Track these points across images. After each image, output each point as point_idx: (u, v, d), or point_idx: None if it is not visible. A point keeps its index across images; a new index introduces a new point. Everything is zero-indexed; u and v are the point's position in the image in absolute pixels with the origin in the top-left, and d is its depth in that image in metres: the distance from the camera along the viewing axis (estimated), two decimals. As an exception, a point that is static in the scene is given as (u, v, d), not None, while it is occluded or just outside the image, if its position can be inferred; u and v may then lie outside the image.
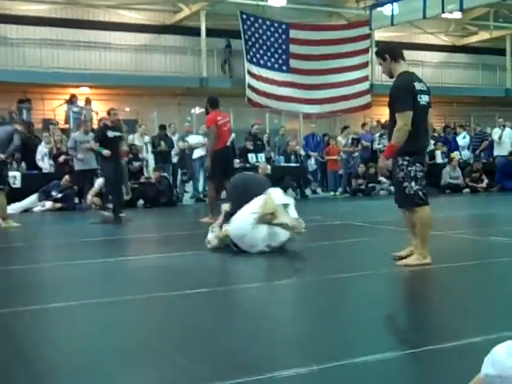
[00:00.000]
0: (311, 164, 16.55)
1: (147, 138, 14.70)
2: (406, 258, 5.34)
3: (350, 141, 16.20)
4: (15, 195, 11.91)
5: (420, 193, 5.21)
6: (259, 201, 6.08)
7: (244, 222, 6.00)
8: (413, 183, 5.16)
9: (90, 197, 12.37)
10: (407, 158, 5.12)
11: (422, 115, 5.15)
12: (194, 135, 14.71)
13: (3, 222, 9.31)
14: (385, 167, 5.22)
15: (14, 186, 12.18)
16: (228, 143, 9.66)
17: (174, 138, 14.88)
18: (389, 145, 5.15)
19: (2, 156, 9.28)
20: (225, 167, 9.30)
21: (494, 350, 1.75)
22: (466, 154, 17.79)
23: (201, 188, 15.01)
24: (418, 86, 5.16)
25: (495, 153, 17.36)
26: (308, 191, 15.81)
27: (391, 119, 5.26)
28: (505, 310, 3.86)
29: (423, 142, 5.32)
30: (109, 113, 10.43)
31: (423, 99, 5.17)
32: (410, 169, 5.13)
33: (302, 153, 16.32)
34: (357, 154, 16.37)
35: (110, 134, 9.91)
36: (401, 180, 5.22)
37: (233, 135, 9.88)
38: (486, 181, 16.46)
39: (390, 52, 5.30)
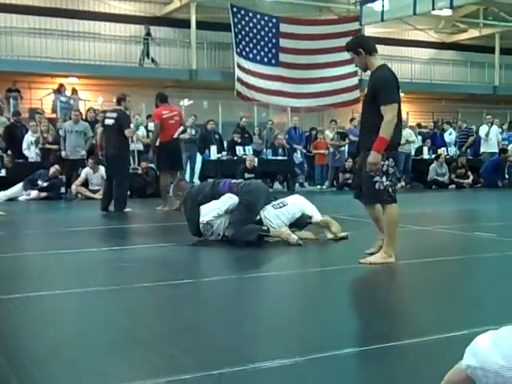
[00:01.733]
0: (297, 157, 16.55)
1: (141, 129, 14.70)
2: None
3: (336, 135, 16.22)
4: (0, 184, 11.83)
5: (390, 189, 5.02)
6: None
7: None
8: (384, 178, 4.97)
9: (74, 186, 12.33)
10: (384, 152, 4.95)
11: (400, 110, 5.08)
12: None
13: None
14: (378, 163, 4.94)
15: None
16: (175, 136, 10.14)
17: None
18: (379, 138, 4.93)
19: None
20: (172, 158, 10.05)
21: (475, 341, 1.75)
22: (453, 150, 17.88)
23: (188, 179, 15.01)
24: (397, 80, 5.12)
25: (482, 149, 17.45)
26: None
27: (368, 112, 5.12)
28: (482, 305, 3.88)
29: (400, 137, 5.23)
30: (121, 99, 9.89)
31: (400, 94, 5.15)
32: (382, 163, 4.94)
33: (286, 145, 16.36)
34: (343, 148, 16.39)
35: (106, 121, 9.80)
36: (372, 174, 5.00)
37: (181, 128, 10.38)
38: (471, 177, 16.56)
39: (364, 46, 5.20)
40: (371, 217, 5.49)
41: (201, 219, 6.18)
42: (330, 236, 6.42)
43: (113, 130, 9.56)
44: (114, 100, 10.35)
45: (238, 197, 6.13)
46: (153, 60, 21.16)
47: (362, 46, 5.20)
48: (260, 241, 6.04)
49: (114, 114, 9.67)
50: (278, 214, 6.21)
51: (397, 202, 5.12)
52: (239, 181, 6.55)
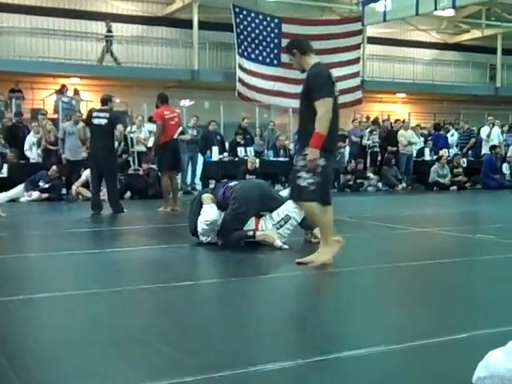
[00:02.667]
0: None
1: (144, 130, 14.75)
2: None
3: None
4: (1, 185, 11.84)
5: (312, 187, 4.89)
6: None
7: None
8: (309, 175, 4.87)
9: (74, 187, 12.34)
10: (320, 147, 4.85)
11: (336, 107, 4.99)
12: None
13: None
14: (316, 159, 4.80)
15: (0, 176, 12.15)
16: (175, 136, 10.27)
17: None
18: (314, 134, 4.82)
19: None
20: (172, 159, 10.18)
21: (488, 354, 1.80)
22: (454, 151, 17.87)
23: (189, 180, 15.03)
24: (332, 76, 5.07)
25: (483, 151, 17.44)
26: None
27: (304, 110, 5.06)
28: (482, 308, 3.88)
29: (335, 136, 5.12)
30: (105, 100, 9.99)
31: (336, 91, 5.05)
32: (318, 157, 4.83)
33: (292, 147, 16.34)
34: (343, 149, 16.38)
35: (96, 120, 9.69)
36: (298, 169, 4.91)
37: (180, 129, 10.50)
38: (465, 179, 16.63)
39: (297, 46, 5.20)
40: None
41: (198, 222, 6.19)
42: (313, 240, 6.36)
43: (106, 129, 9.55)
44: (118, 101, 10.37)
45: (230, 203, 6.10)
46: (115, 59, 20.89)
47: (295, 47, 5.22)
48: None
49: (107, 114, 9.64)
50: (278, 234, 6.12)
51: (324, 203, 5.05)
52: (234, 184, 6.34)
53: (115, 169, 10.04)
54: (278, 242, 5.97)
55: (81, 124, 11.39)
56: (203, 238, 6.20)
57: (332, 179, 5.14)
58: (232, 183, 6.34)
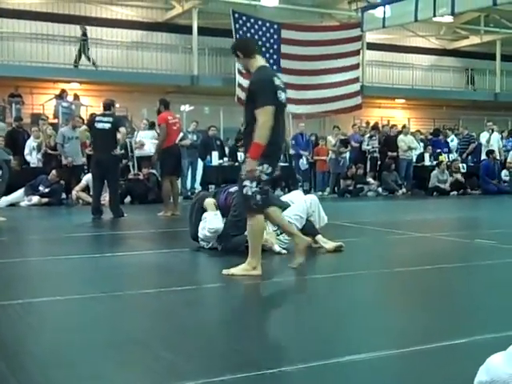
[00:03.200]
0: (303, 163, 16.53)
1: (149, 135, 14.80)
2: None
3: (338, 142, 16.23)
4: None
5: (258, 196, 4.76)
6: None
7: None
8: (254, 184, 4.73)
9: (75, 192, 12.36)
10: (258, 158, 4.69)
11: (281, 113, 4.80)
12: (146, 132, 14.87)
13: None
14: (253, 170, 4.67)
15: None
16: (177, 141, 10.49)
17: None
18: (253, 144, 4.65)
19: None
20: (175, 164, 10.37)
21: (489, 359, 1.80)
22: (454, 157, 17.89)
23: (189, 185, 15.04)
24: (277, 81, 4.82)
25: (483, 156, 17.46)
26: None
27: (247, 116, 4.84)
28: (481, 313, 3.89)
29: (279, 142, 4.87)
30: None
31: (282, 96, 4.80)
32: (257, 168, 4.69)
33: (291, 152, 16.35)
34: (345, 154, 16.41)
35: (99, 125, 9.74)
36: (243, 178, 4.77)
37: (181, 134, 10.74)
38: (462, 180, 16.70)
39: (241, 49, 5.00)
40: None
41: (199, 228, 6.19)
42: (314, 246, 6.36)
43: (109, 133, 9.62)
44: (118, 106, 10.43)
45: (231, 209, 6.08)
46: (89, 59, 20.77)
47: (239, 49, 5.00)
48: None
49: (110, 119, 9.73)
50: (278, 240, 6.13)
51: (265, 210, 4.89)
52: (235, 189, 6.14)
53: (117, 173, 10.10)
54: (276, 247, 5.97)
55: (83, 127, 11.49)
56: (203, 244, 6.20)
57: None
58: (233, 189, 6.28)
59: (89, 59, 20.56)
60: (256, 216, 4.83)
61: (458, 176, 16.71)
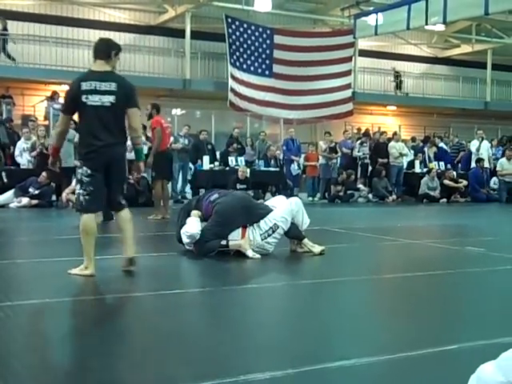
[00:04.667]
0: (294, 169, 16.54)
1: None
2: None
3: (327, 148, 16.26)
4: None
5: (81, 198, 4.92)
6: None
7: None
8: (78, 186, 4.98)
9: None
10: (79, 160, 5.00)
11: (92, 116, 4.88)
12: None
13: None
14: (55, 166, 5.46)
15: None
16: (169, 145, 10.77)
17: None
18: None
19: None
20: (168, 167, 10.59)
21: (480, 367, 1.82)
22: (442, 164, 17.93)
23: (179, 189, 15.02)
24: (85, 86, 4.90)
25: (473, 164, 17.54)
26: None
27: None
28: (470, 319, 3.90)
29: (95, 144, 4.90)
30: None
31: (93, 99, 4.87)
32: (78, 171, 4.94)
33: (281, 157, 16.38)
34: (335, 160, 16.43)
35: None
36: (77, 182, 5.07)
37: (172, 138, 10.94)
38: (464, 182, 16.76)
39: (93, 51, 5.37)
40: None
41: (181, 231, 6.27)
42: (299, 250, 6.42)
43: None
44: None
45: (212, 217, 6.18)
46: (9, 56, 20.55)
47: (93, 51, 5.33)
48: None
49: None
50: (266, 243, 6.19)
51: (90, 213, 4.98)
52: (216, 197, 6.33)
53: None
54: (250, 253, 6.01)
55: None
56: (187, 247, 6.28)
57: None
58: (213, 197, 6.35)
59: (9, 56, 20.18)
60: (83, 215, 4.97)
61: (461, 185, 16.77)
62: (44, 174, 12.46)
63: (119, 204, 5.11)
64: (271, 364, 2.88)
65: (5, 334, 3.40)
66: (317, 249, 6.28)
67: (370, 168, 17.10)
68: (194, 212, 6.37)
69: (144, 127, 14.73)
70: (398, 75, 25.62)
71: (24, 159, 13.52)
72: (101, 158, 4.92)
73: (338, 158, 16.63)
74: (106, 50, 5.26)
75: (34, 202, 12.27)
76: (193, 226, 6.19)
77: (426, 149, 18.35)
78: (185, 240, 6.26)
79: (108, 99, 4.91)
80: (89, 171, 4.87)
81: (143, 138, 10.87)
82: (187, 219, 6.31)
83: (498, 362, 1.79)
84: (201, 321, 3.82)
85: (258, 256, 6.00)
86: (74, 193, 12.34)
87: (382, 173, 16.42)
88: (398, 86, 25.76)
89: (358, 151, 17.00)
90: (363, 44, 23.97)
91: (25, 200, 12.21)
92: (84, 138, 5.02)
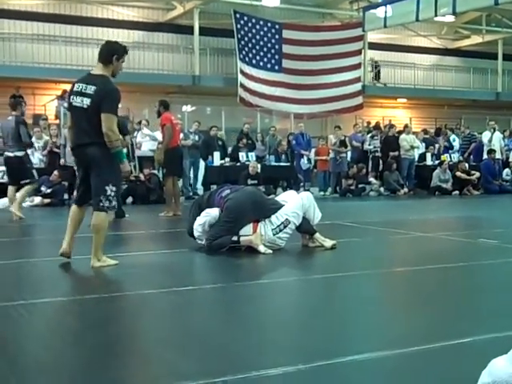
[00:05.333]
0: (304, 163, 16.52)
1: (148, 135, 14.80)
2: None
3: (338, 142, 16.22)
4: (2, 190, 11.83)
5: (113, 197, 5.26)
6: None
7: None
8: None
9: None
10: None
11: (73, 116, 5.32)
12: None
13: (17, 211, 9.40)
14: None
15: (1, 181, 12.16)
16: (179, 142, 10.74)
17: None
18: None
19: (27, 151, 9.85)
20: (179, 164, 10.60)
21: (492, 362, 1.82)
22: (456, 156, 17.86)
23: (191, 185, 15.04)
24: (75, 87, 5.25)
25: (484, 156, 17.44)
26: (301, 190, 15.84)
27: None
28: (482, 313, 3.88)
29: (74, 143, 5.37)
30: None
31: (76, 100, 5.20)
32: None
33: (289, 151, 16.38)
34: (344, 154, 16.37)
35: None
36: None
37: (181, 135, 10.88)
38: (476, 174, 16.64)
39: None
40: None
41: (194, 226, 6.27)
42: (311, 245, 6.42)
43: None
44: (120, 106, 10.55)
45: (223, 213, 6.15)
46: None
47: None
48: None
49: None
50: (277, 238, 6.20)
51: (75, 203, 5.60)
52: (227, 193, 6.33)
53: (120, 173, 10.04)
54: (261, 248, 6.00)
55: None
56: (199, 242, 6.27)
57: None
58: (225, 192, 6.34)
59: None
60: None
61: (473, 177, 16.66)
62: (56, 172, 12.52)
63: (96, 205, 5.23)
64: (283, 359, 2.88)
65: (18, 332, 3.42)
66: (328, 243, 6.27)
67: (380, 161, 17.04)
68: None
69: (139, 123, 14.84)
70: (376, 65, 25.32)
71: (36, 158, 13.58)
72: (77, 157, 5.40)
73: (349, 152, 16.58)
74: (106, 55, 5.35)
75: (47, 200, 12.32)
76: (202, 218, 6.19)
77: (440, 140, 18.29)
78: (196, 234, 6.25)
79: (86, 102, 5.16)
80: (75, 167, 5.38)
81: (128, 141, 10.87)
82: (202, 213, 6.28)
83: (510, 356, 1.78)
84: (213, 317, 3.82)
85: (269, 251, 6.00)
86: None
87: (393, 166, 16.34)
88: (377, 76, 25.46)
89: (369, 144, 16.95)
90: (372, 37, 23.90)
91: (37, 199, 12.27)
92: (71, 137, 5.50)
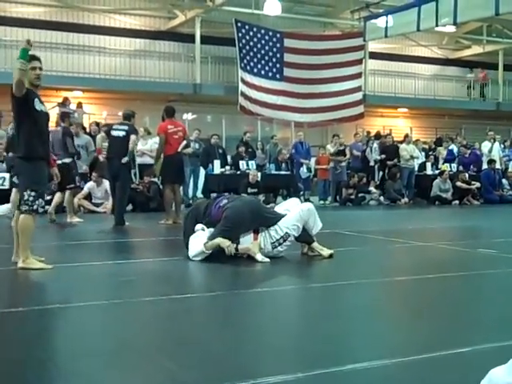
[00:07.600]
0: (303, 172, 16.53)
1: (151, 143, 14.81)
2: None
3: (336, 150, 16.25)
4: (3, 197, 11.83)
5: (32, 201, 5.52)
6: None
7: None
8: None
9: (76, 199, 12.36)
10: None
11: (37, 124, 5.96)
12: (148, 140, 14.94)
13: (73, 218, 10.47)
14: None
15: (1, 188, 12.18)
16: (179, 150, 10.47)
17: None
18: None
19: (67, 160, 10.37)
20: (175, 172, 10.40)
21: (491, 371, 1.82)
22: (454, 166, 17.86)
23: (191, 193, 15.03)
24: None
25: (484, 166, 17.45)
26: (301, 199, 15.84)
27: None
28: (481, 323, 3.87)
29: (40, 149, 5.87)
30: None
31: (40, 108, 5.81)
32: None
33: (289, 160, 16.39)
34: (344, 163, 16.39)
35: (115, 132, 10.07)
36: None
37: (184, 142, 10.66)
38: (477, 184, 16.63)
39: None
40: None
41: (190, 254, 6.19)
42: (310, 254, 6.43)
43: (123, 141, 9.89)
44: (120, 114, 10.65)
45: (221, 221, 6.13)
46: None
47: None
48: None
49: (126, 127, 10.04)
50: (276, 251, 6.22)
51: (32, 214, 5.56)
52: (225, 202, 6.31)
53: (127, 181, 10.12)
54: (259, 257, 6.00)
55: (101, 134, 12.39)
56: (194, 259, 6.18)
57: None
58: (222, 203, 6.31)
59: None
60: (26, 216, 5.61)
61: (473, 187, 16.66)
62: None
63: (19, 209, 5.62)
64: (282, 367, 2.87)
65: (23, 337, 3.41)
66: (326, 252, 6.30)
67: (380, 171, 17.05)
68: (198, 226, 6.31)
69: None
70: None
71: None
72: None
73: (346, 161, 16.59)
74: None
75: (47, 207, 12.28)
76: (196, 246, 6.11)
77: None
78: (191, 254, 6.15)
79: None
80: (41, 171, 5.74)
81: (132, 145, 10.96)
82: (196, 226, 6.28)
83: (509, 365, 1.79)
84: (212, 325, 3.81)
85: (267, 260, 6.00)
86: (85, 198, 12.50)
87: (396, 175, 16.35)
88: None
89: (375, 154, 16.96)
90: (373, 46, 23.95)
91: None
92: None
